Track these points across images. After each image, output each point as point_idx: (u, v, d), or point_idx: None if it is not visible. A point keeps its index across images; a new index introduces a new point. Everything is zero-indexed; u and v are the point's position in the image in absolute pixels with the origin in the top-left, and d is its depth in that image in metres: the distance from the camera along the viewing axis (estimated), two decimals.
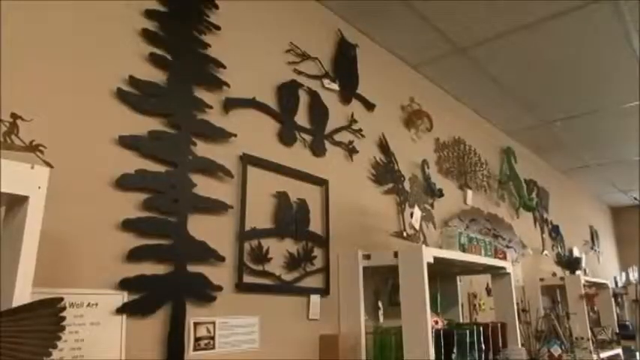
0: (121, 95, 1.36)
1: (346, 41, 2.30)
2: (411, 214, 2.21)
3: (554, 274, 3.71)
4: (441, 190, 2.76)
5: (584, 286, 3.47)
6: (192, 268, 1.43)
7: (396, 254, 1.85)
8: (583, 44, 2.57)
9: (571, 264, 4.07)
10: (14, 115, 1.08)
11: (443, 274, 2.44)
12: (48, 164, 1.08)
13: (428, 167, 2.72)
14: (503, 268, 2.47)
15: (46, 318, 0.73)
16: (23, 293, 0.74)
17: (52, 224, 1.02)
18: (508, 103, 3.31)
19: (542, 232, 4.22)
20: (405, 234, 2.34)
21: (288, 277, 1.74)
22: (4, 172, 0.76)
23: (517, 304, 2.56)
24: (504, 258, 2.50)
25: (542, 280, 3.53)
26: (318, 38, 2.17)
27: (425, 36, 2.48)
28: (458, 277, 2.56)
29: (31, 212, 0.78)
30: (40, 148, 1.10)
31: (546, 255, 4.16)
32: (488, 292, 2.97)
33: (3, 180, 0.76)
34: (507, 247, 3.39)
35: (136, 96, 1.39)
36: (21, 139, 1.07)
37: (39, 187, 0.80)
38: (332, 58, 2.21)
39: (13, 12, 1.17)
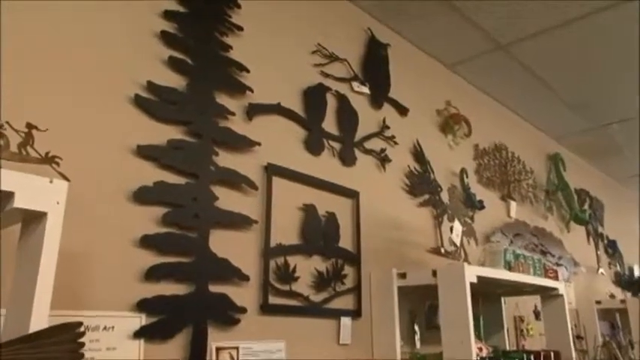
0: (139, 102, 1.37)
1: (377, 40, 2.29)
2: (451, 229, 2.17)
3: (612, 296, 3.58)
4: (481, 202, 2.70)
5: None
6: (214, 288, 1.42)
7: (434, 273, 1.81)
8: (638, 38, 2.49)
9: (632, 284, 3.92)
10: (29, 125, 1.09)
11: (485, 294, 2.38)
12: (64, 177, 1.09)
13: (467, 176, 2.68)
14: (555, 289, 2.39)
15: (65, 345, 0.73)
16: (41, 317, 0.74)
17: (65, 241, 1.02)
18: (556, 104, 3.24)
19: (597, 247, 4.09)
20: (442, 250, 2.30)
21: (316, 297, 1.72)
22: (20, 187, 0.77)
23: (571, 329, 2.47)
24: (556, 277, 2.42)
25: (598, 302, 3.41)
26: (346, 38, 2.16)
27: (462, 33, 2.45)
28: (502, 299, 2.49)
29: (49, 229, 0.78)
30: (56, 159, 1.11)
31: (602, 274, 4.02)
32: (537, 315, 2.88)
33: (19, 195, 0.77)
34: (557, 264, 3.29)
35: (155, 103, 1.41)
36: (36, 151, 1.09)
37: (57, 203, 0.80)
38: (361, 59, 2.20)
39: (27, 17, 1.20)
